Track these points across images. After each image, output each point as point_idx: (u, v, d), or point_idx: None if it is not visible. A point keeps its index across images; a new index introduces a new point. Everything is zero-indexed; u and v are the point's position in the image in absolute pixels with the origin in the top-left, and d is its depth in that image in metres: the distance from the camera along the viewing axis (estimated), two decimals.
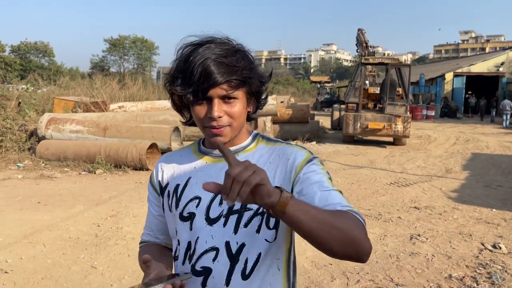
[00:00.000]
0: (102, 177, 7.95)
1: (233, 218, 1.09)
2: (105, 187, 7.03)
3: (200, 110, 1.06)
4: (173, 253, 1.21)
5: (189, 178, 1.16)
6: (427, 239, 4.75)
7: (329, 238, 0.90)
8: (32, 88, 17.93)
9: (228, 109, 1.06)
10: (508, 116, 20.58)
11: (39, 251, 4.23)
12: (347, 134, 13.17)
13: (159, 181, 1.22)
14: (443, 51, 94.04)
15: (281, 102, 14.10)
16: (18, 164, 8.70)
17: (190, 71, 1.03)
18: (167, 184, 1.20)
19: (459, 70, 30.73)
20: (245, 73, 1.06)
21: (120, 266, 3.96)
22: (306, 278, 3.73)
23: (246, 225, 1.09)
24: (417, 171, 9.11)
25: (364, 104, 13.75)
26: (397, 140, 13.22)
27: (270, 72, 1.18)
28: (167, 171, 1.22)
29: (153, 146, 8.70)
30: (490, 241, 4.73)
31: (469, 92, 29.06)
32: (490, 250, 4.44)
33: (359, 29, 17.87)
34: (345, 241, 0.91)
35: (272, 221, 1.09)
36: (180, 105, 1.14)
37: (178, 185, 1.17)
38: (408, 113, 12.97)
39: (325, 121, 18.31)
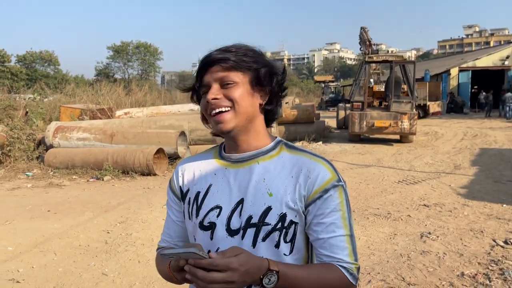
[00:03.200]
0: (110, 183, 7.99)
1: (250, 232, 1.08)
2: (114, 193, 7.06)
3: (203, 100, 1.09)
4: None
5: (210, 186, 1.14)
6: (437, 237, 4.72)
7: None
8: (39, 97, 18.09)
9: (226, 93, 1.06)
10: None
11: (50, 260, 4.26)
12: (353, 133, 13.12)
13: (180, 186, 1.21)
14: (447, 46, 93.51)
15: (286, 103, 14.10)
16: (27, 173, 8.77)
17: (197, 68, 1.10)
18: (188, 190, 1.18)
19: (464, 65, 30.50)
20: (244, 59, 1.06)
21: (131, 272, 3.97)
22: None
23: (264, 239, 1.08)
24: (425, 168, 9.05)
25: (370, 103, 13.69)
26: (404, 138, 13.14)
27: (284, 67, 1.15)
28: (188, 177, 1.20)
29: (160, 151, 8.72)
30: (501, 237, 4.68)
31: (475, 87, 28.83)
32: (502, 246, 4.39)
33: (362, 27, 17.81)
34: None
35: (290, 235, 1.09)
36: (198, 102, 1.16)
37: (199, 193, 1.15)
38: (414, 110, 12.90)
39: (330, 121, 18.26)
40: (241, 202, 1.09)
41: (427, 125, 18.01)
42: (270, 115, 1.15)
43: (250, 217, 1.08)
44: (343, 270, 1.06)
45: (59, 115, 14.10)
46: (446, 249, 4.35)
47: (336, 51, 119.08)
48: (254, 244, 1.08)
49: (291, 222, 1.08)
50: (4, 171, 8.86)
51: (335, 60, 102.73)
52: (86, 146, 9.33)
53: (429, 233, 4.85)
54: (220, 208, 1.11)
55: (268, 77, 1.10)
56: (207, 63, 1.07)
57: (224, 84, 1.06)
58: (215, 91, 1.06)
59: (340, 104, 18.93)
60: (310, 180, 1.07)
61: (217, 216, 1.11)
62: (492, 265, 3.93)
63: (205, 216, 1.12)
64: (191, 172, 1.20)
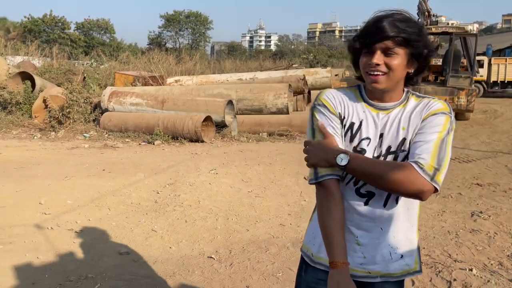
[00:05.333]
0: (160, 147, 8.29)
1: (390, 157, 1.39)
2: (163, 157, 7.33)
3: (365, 59, 1.34)
4: None
5: (361, 121, 1.42)
6: (489, 216, 4.53)
7: (378, 185, 1.33)
8: (96, 63, 18.82)
9: (387, 61, 1.31)
10: None
11: (105, 214, 4.54)
12: None
13: (339, 112, 1.45)
14: None
15: (336, 75, 13.78)
16: (85, 135, 9.28)
17: (366, 28, 1.33)
18: (344, 118, 1.45)
19: None
20: (412, 36, 1.29)
21: (178, 230, 4.16)
22: None
23: None
24: (480, 147, 8.63)
25: (425, 77, 13.05)
26: (459, 115, 12.49)
27: (437, 45, 1.45)
28: (343, 107, 1.45)
29: (207, 119, 8.89)
30: None
31: None
32: None
33: None
34: (390, 185, 1.29)
35: None
36: (354, 59, 1.41)
37: (353, 124, 1.43)
38: (473, 86, 12.18)
39: None
40: (381, 136, 1.40)
41: (485, 103, 17.01)
42: (411, 79, 1.41)
43: (389, 147, 1.39)
44: (412, 163, 1.28)
45: (114, 81, 14.65)
46: (498, 229, 4.18)
47: None
48: None
49: None
50: (64, 132, 9.42)
51: None
52: (139, 111, 9.68)
53: (481, 212, 4.67)
54: (369, 139, 1.41)
55: (423, 56, 1.35)
56: (380, 38, 1.28)
57: (387, 53, 1.30)
58: (378, 57, 1.30)
59: None
60: (427, 109, 1.37)
61: (367, 145, 1.41)
62: None
63: (358, 143, 1.42)
64: (343, 103, 1.45)
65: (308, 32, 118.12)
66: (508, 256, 3.58)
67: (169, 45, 53.75)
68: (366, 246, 1.43)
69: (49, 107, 9.94)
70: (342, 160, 1.31)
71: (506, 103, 17.41)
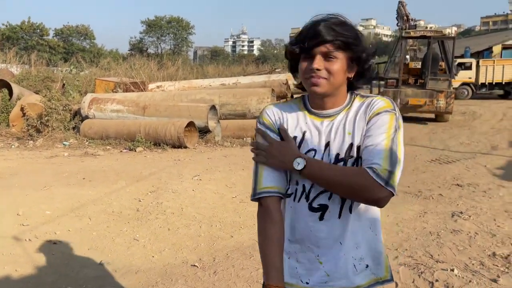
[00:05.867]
0: (142, 154, 8.19)
1: (340, 165, 1.33)
2: (145, 164, 7.24)
3: (305, 64, 1.30)
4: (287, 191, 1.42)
5: (304, 132, 1.38)
6: (470, 216, 4.60)
7: (335, 191, 1.30)
8: (75, 70, 18.54)
9: (328, 66, 1.28)
10: None
11: (85, 224, 4.45)
12: None
13: (278, 128, 1.41)
14: (490, 23, 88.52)
15: None
16: (64, 143, 9.10)
17: (303, 32, 1.30)
18: None
19: (509, 42, 28.87)
20: (350, 40, 1.27)
21: (161, 239, 4.10)
22: None
23: None
24: (460, 148, 8.78)
25: (405, 80, 13.27)
26: (439, 117, 12.73)
27: (375, 50, 1.38)
28: (283, 122, 1.41)
29: (190, 124, 8.83)
30: None
31: None
32: None
33: (399, 1, 17.10)
34: (347, 192, 1.28)
35: None
36: (293, 65, 1.37)
37: (295, 137, 1.38)
38: (452, 88, 12.42)
39: None
40: (328, 144, 1.35)
41: (464, 105, 17.34)
42: (354, 85, 1.38)
43: (337, 154, 1.34)
44: (367, 169, 1.23)
45: (94, 88, 14.45)
46: (478, 229, 4.24)
47: (372, 27, 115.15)
48: None
49: None
50: (43, 140, 9.23)
51: (370, 36, 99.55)
52: (120, 118, 9.55)
53: (461, 212, 4.73)
54: (314, 151, 1.36)
55: (362, 60, 1.33)
56: (319, 42, 1.26)
57: (327, 57, 1.28)
58: (319, 62, 1.28)
59: (374, 81, 18.44)
60: (370, 109, 1.33)
61: (313, 157, 1.35)
62: None
63: None
64: (284, 118, 1.41)
65: (291, 37, 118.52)
66: (489, 255, 3.63)
67: (150, 51, 53.46)
68: (328, 264, 1.38)
69: (27, 115, 9.73)
70: (299, 164, 1.29)
71: (484, 105, 17.78)
